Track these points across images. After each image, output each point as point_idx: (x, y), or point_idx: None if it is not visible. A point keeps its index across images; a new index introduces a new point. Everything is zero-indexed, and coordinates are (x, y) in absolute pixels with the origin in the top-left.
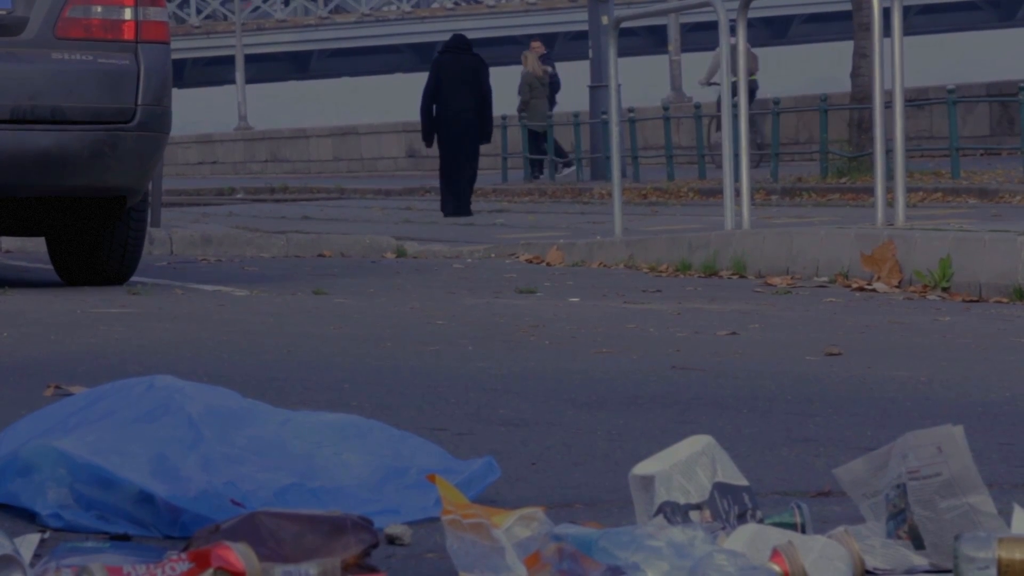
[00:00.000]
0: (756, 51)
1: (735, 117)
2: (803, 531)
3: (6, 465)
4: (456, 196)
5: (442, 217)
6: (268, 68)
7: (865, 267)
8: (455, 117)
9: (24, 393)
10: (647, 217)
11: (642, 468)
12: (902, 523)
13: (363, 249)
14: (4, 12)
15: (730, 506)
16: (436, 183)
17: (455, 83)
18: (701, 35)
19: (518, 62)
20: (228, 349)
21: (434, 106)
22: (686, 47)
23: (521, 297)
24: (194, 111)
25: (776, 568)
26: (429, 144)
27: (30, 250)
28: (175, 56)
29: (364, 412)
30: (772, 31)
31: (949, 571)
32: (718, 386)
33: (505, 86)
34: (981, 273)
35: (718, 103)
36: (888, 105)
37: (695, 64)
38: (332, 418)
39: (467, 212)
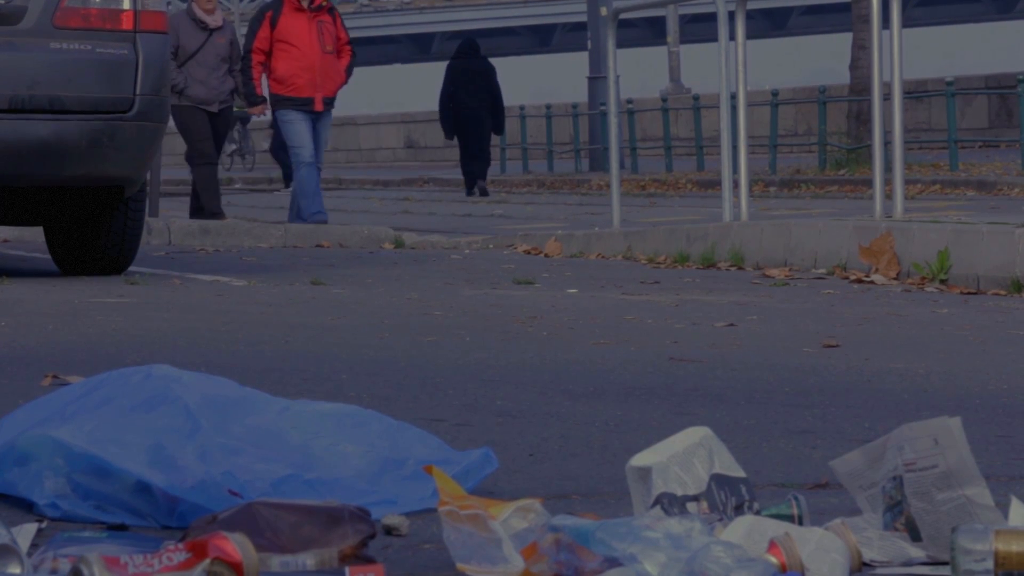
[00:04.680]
0: (754, 42)
1: (734, 109)
2: (800, 523)
3: (3, 454)
4: (475, 180)
5: (441, 207)
6: None
7: (863, 259)
8: (471, 115)
9: (21, 382)
10: (645, 208)
11: (639, 460)
12: (899, 515)
13: (361, 240)
14: (2, 1)
15: (727, 498)
16: (434, 174)
17: (468, 85)
18: (700, 26)
19: (516, 53)
20: (226, 339)
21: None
22: (685, 38)
23: (519, 288)
24: None
25: (773, 560)
26: (450, 138)
27: (28, 239)
28: None
29: (362, 402)
30: (771, 22)
31: (946, 563)
32: (715, 378)
33: (508, 77)
34: (979, 265)
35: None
36: (887, 97)
37: (694, 55)
38: (330, 408)
39: (485, 193)
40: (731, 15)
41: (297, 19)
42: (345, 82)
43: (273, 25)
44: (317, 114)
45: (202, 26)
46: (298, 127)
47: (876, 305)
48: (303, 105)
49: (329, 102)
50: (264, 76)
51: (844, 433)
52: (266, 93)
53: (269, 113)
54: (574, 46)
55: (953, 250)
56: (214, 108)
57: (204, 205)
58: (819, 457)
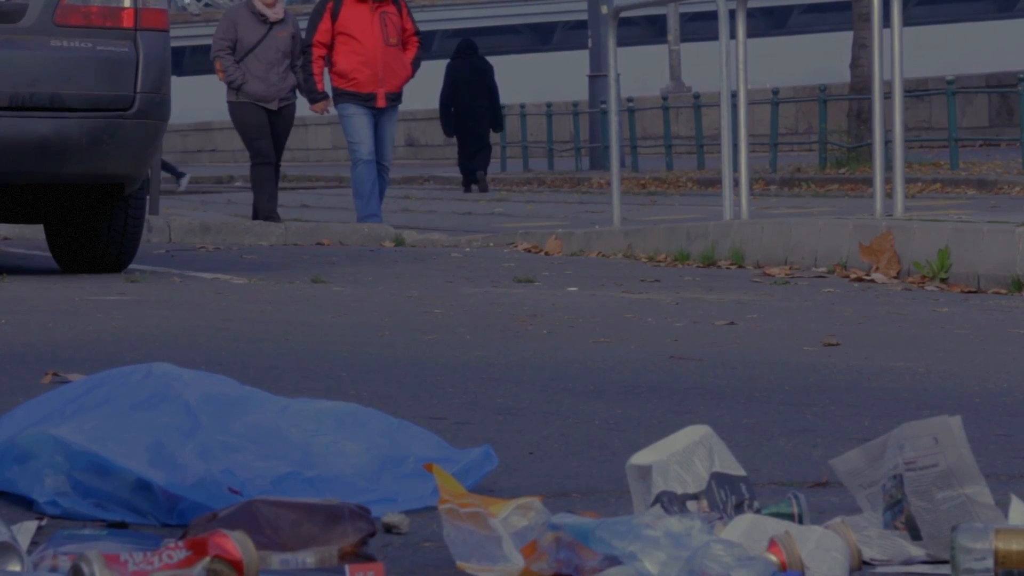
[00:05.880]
0: (755, 41)
1: (734, 107)
2: (800, 521)
3: (4, 452)
4: (474, 176)
5: (441, 205)
6: None
7: (863, 258)
8: (470, 113)
9: (22, 380)
10: (646, 207)
11: (640, 458)
12: (899, 514)
13: (362, 238)
14: None
15: (727, 496)
16: (435, 172)
17: (467, 84)
18: (700, 25)
19: (517, 51)
20: (226, 337)
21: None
22: (685, 37)
23: (519, 286)
24: (193, 99)
25: (773, 558)
26: (450, 135)
27: (28, 237)
28: (174, 44)
29: (362, 400)
30: (771, 21)
31: (946, 562)
32: (716, 376)
33: (508, 75)
34: (979, 264)
35: None
36: (887, 96)
37: (695, 54)
38: (330, 406)
39: (484, 189)
40: (732, 13)
41: (359, 10)
42: (411, 75)
43: (334, 17)
44: (380, 110)
45: (262, 19)
46: (357, 122)
47: (876, 304)
48: (365, 101)
49: (394, 97)
50: (325, 70)
51: (844, 432)
52: (328, 89)
53: (332, 110)
54: (575, 44)
55: (953, 249)
56: (273, 106)
57: (256, 205)
58: (819, 456)
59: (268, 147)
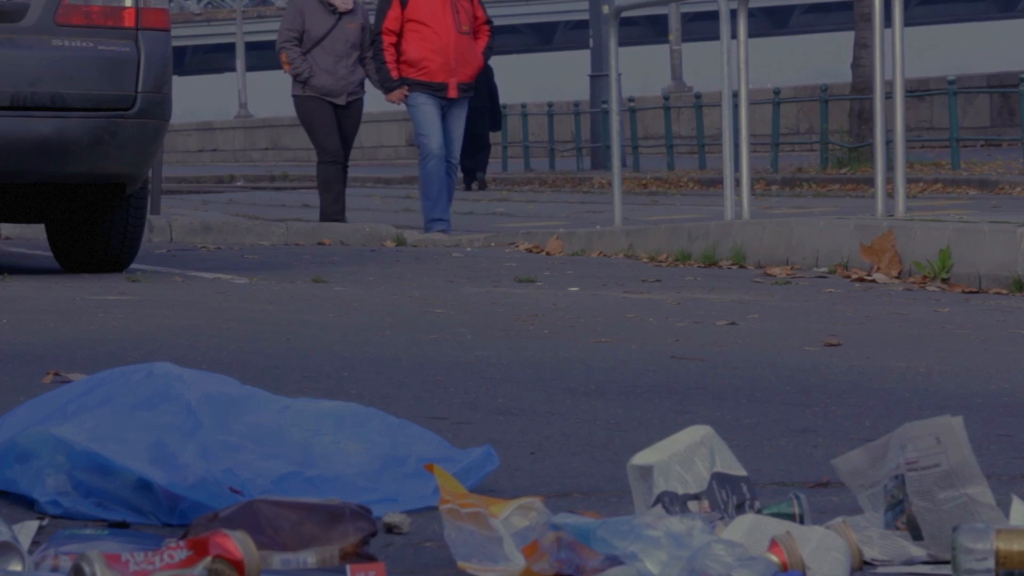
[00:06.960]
0: (756, 41)
1: (735, 107)
2: (801, 522)
3: (5, 452)
4: (475, 175)
5: None
6: (268, 56)
7: (865, 258)
8: (470, 112)
9: (23, 380)
10: (647, 207)
11: (641, 458)
12: (900, 514)
13: (363, 237)
14: None
15: (728, 496)
16: None
17: None
18: (702, 24)
19: (518, 51)
20: (227, 337)
21: None
22: (687, 37)
23: (520, 286)
24: (194, 98)
25: (774, 558)
26: None
27: (29, 237)
28: (175, 43)
29: (363, 400)
30: (773, 21)
31: (947, 562)
32: (717, 376)
33: (510, 75)
34: (981, 264)
35: None
36: (889, 96)
37: (696, 54)
38: (331, 406)
39: (483, 187)
40: (733, 13)
41: None
42: (483, 66)
43: (404, 4)
44: (450, 102)
45: (331, 9)
46: (426, 112)
47: (878, 304)
48: (436, 91)
49: (465, 88)
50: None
51: (845, 432)
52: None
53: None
54: (576, 44)
55: (955, 249)
56: (341, 100)
57: (322, 207)
58: (820, 456)
59: (336, 145)
